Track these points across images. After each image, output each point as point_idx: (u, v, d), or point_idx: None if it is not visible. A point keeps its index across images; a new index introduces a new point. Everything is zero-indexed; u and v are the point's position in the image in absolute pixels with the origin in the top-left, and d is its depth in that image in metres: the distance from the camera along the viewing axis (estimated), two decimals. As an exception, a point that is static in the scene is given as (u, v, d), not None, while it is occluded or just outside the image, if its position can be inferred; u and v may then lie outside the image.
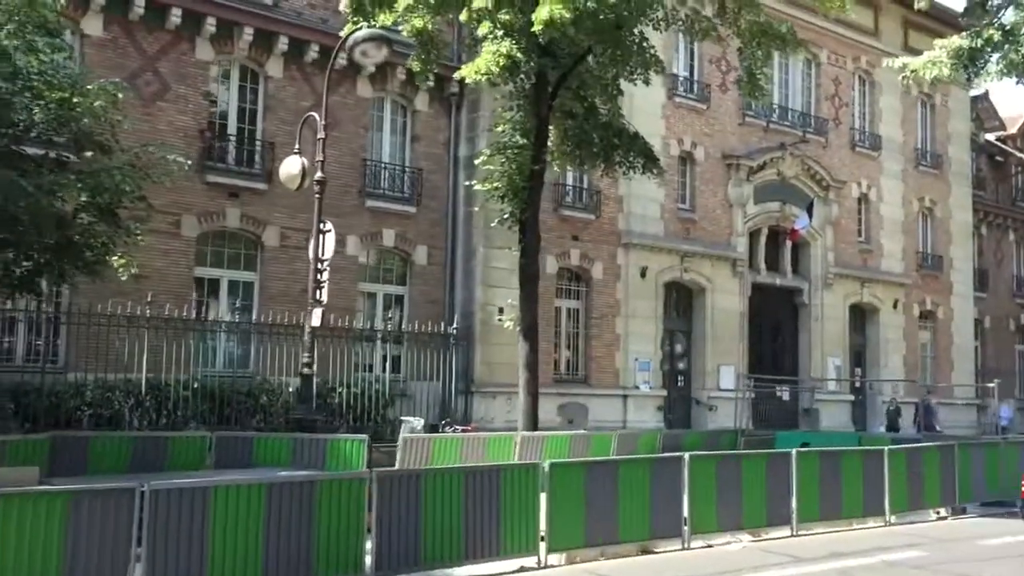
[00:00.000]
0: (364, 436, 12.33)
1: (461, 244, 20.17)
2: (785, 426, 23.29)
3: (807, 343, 25.78)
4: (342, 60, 18.53)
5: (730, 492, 10.63)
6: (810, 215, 24.38)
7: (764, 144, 24.73)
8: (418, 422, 16.54)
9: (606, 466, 9.84)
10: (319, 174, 12.87)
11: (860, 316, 27.52)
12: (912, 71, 13.61)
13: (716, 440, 16.39)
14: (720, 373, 23.36)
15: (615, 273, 21.90)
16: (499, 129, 15.92)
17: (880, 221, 27.65)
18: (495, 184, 14.93)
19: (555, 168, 17.63)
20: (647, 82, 15.20)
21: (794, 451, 11.43)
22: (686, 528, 10.17)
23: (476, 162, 16.62)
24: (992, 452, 14.19)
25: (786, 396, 25.17)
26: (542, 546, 9.03)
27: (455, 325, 19.09)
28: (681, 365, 23.55)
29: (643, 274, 22.13)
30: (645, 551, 9.94)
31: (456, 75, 13.96)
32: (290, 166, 12.84)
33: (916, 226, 28.89)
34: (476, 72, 12.72)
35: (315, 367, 12.85)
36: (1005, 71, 11.71)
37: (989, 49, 11.64)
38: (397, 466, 12.03)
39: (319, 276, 12.58)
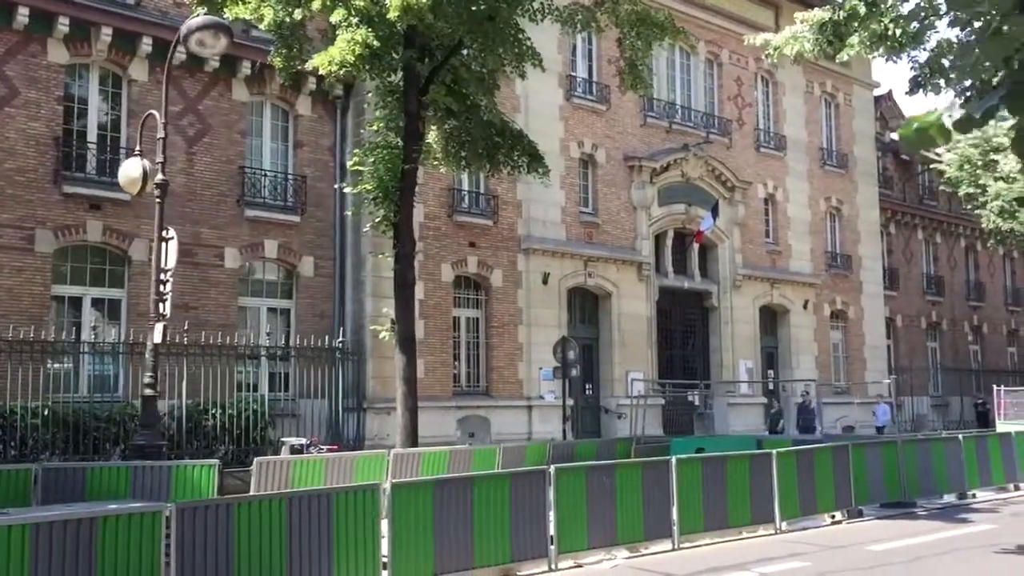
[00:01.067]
0: (215, 461, 11.25)
1: (350, 254, 19.21)
2: (692, 431, 22.84)
3: (718, 346, 25.37)
4: (215, 62, 17.61)
5: (603, 506, 9.86)
6: (714, 216, 23.98)
7: (667, 145, 24.31)
8: (300, 443, 15.53)
9: (459, 484, 8.96)
10: (160, 176, 11.79)
11: (771, 318, 27.27)
12: (775, 48, 13.09)
13: (610, 449, 15.68)
14: (629, 380, 22.74)
15: (515, 280, 21.15)
16: (373, 128, 15.06)
17: (788, 222, 27.48)
18: (365, 185, 14.02)
19: (441, 170, 16.91)
20: (523, 76, 14.51)
21: (674, 459, 10.73)
22: (552, 548, 9.36)
23: (348, 164, 15.71)
24: (890, 452, 13.72)
25: (697, 401, 24.70)
26: (384, 577, 8.12)
27: (341, 339, 18.09)
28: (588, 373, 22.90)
29: (545, 280, 21.43)
30: (507, 575, 9.10)
31: (308, 66, 13.01)
32: (130, 169, 11.77)
33: (824, 226, 28.82)
34: (330, 62, 11.83)
35: (159, 387, 11.72)
36: (868, 44, 11.27)
37: (855, 23, 11.20)
38: (252, 491, 10.99)
39: (161, 288, 11.46)
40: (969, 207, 28.89)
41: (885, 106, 32.47)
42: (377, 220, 14.22)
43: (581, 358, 22.87)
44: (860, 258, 29.65)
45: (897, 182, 32.99)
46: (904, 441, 14.18)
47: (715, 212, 24.04)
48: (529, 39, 13.97)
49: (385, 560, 8.15)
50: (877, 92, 31.74)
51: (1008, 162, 27.26)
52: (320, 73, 12.55)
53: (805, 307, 27.46)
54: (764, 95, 27.70)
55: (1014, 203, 27.70)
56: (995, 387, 25.90)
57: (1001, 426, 22.76)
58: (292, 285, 18.82)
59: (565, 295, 21.96)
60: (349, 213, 16.55)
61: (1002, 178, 27.66)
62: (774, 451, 11.81)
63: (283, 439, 15.56)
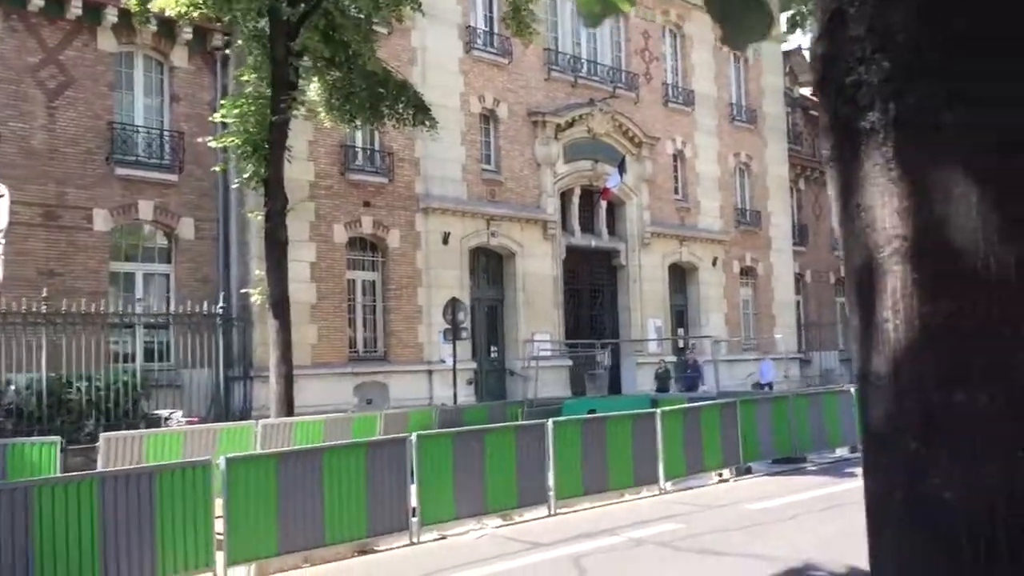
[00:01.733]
0: (56, 438, 10.36)
1: (234, 215, 18.17)
2: (609, 392, 22.52)
3: (626, 305, 25.08)
4: (76, 8, 16.34)
5: (471, 473, 9.33)
6: (621, 172, 23.52)
7: (572, 100, 23.69)
8: (178, 414, 14.71)
9: (307, 456, 8.31)
10: (-13, 129, 10.68)
11: (681, 275, 27.10)
12: None
13: (501, 412, 15.19)
14: (535, 341, 22.28)
15: (414, 241, 20.39)
16: (245, 78, 14.08)
17: (696, 178, 27.22)
18: (231, 139, 13.09)
19: (327, 124, 16.00)
20: (400, 19, 13.67)
21: (550, 421, 10.24)
22: (415, 520, 8.80)
23: (212, 117, 14.71)
24: (780, 408, 13.51)
25: (607, 361, 24.35)
26: (220, 559, 7.46)
27: (222, 304, 17.13)
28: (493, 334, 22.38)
29: (445, 240, 20.72)
30: (364, 551, 8.51)
31: (152, 5, 11.96)
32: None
33: (733, 182, 28.67)
34: (176, 2, 10.84)
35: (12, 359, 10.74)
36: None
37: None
38: (99, 469, 10.15)
39: (-8, 251, 10.45)
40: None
41: (795, 60, 32.35)
42: (246, 176, 13.32)
43: (486, 319, 22.39)
44: (769, 214, 29.64)
45: (807, 137, 33.02)
46: (795, 396, 13.99)
47: (622, 169, 23.57)
48: (406, -19, 13.15)
49: (221, 539, 7.49)
50: (786, 47, 31.54)
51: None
52: (168, 14, 11.53)
53: (714, 264, 27.34)
54: (672, 49, 27.25)
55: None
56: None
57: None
58: (171, 248, 17.75)
59: (467, 255, 21.30)
60: (217, 169, 15.54)
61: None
62: (658, 410, 11.44)
63: (155, 412, 14.73)
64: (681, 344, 26.65)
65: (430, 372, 20.28)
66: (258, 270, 15.46)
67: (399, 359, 19.95)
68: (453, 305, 18.08)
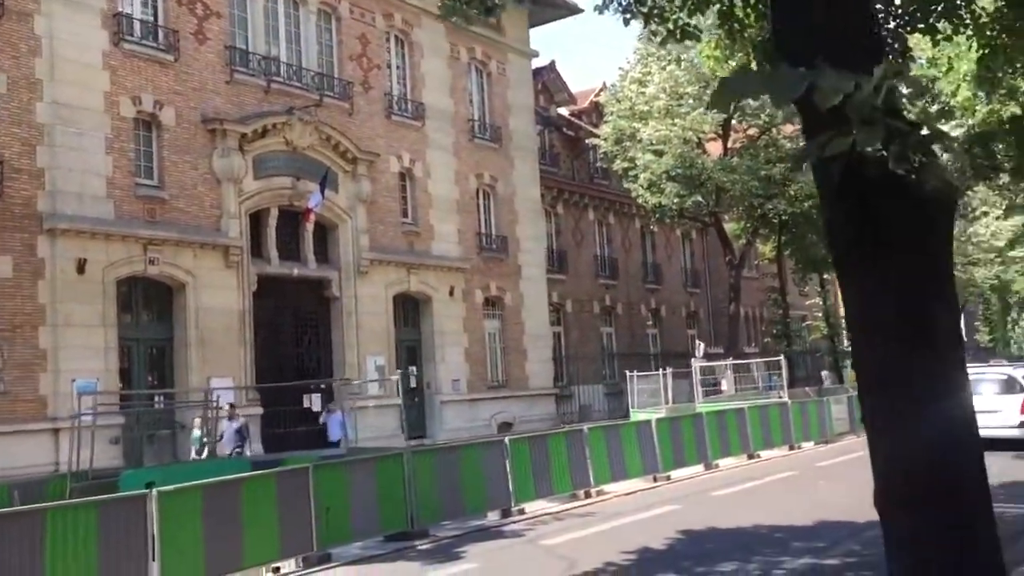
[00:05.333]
0: None
1: None
2: (313, 446, 19.16)
3: (341, 342, 21.98)
4: None
5: None
6: (323, 190, 20.50)
7: (266, 107, 20.57)
8: None
9: None
10: None
11: (413, 307, 24.32)
12: None
13: (40, 490, 11.64)
14: (213, 388, 18.78)
15: (34, 269, 16.57)
16: None
17: (429, 200, 24.60)
18: None
19: None
20: None
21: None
22: None
23: None
24: (389, 469, 10.62)
25: (316, 407, 21.10)
26: None
27: None
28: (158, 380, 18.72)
29: (81, 269, 17.01)
30: None
31: None
32: None
33: (476, 205, 26.25)
34: None
35: None
36: None
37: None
38: None
39: None
40: (625, 183, 27.45)
41: (548, 78, 30.57)
42: None
43: (148, 363, 18.76)
44: (519, 240, 27.37)
45: (565, 159, 31.26)
46: (415, 452, 11.13)
47: (324, 185, 20.56)
48: None
49: None
50: (538, 63, 29.76)
51: (647, 129, 25.97)
52: None
53: (452, 294, 24.71)
54: (399, 57, 24.66)
55: (663, 176, 26.50)
56: (627, 373, 24.36)
57: (634, 414, 20.97)
58: None
59: (114, 287, 17.62)
60: None
61: (652, 151, 26.37)
62: (154, 491, 8.26)
63: None
64: (413, 384, 23.85)
65: (56, 431, 16.40)
66: None
67: (10, 416, 15.98)
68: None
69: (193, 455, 15.51)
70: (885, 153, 2.77)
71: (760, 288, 38.74)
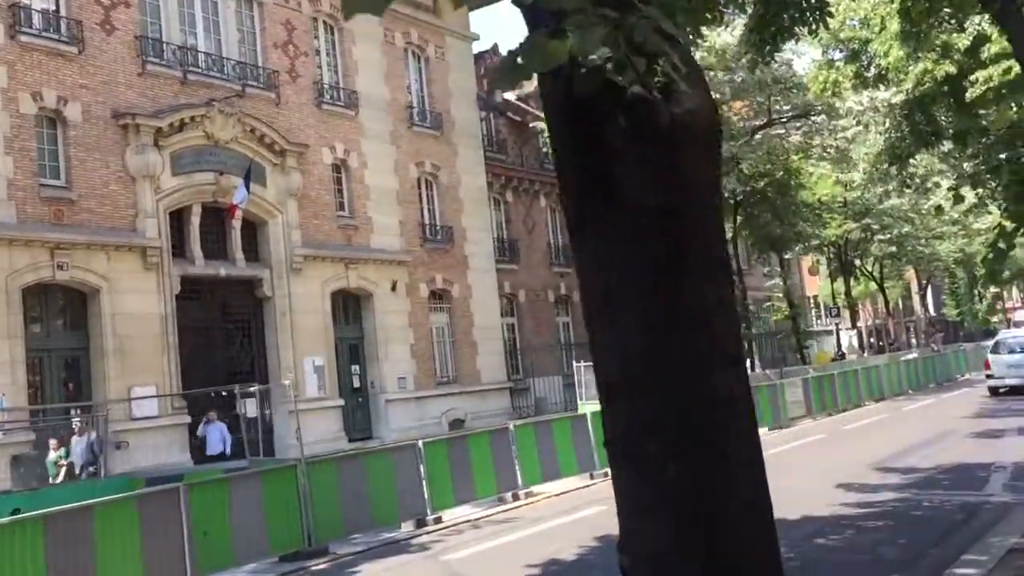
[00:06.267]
0: None
1: None
2: (254, 454, 18.15)
3: (275, 343, 20.99)
4: None
5: None
6: (247, 184, 19.47)
7: (182, 100, 19.49)
8: None
9: None
10: None
11: (354, 304, 23.36)
12: None
13: None
14: (134, 398, 17.80)
15: (-74, 280, 15.48)
16: None
17: (366, 191, 23.61)
18: None
19: None
20: None
21: None
22: None
23: None
24: (282, 482, 9.70)
25: (252, 412, 20.06)
26: None
27: None
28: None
29: (-20, 277, 15.92)
30: None
31: None
32: None
33: (417, 195, 25.29)
34: None
35: None
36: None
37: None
38: None
39: None
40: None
41: (491, 62, 29.58)
42: None
43: (62, 374, 17.70)
44: (465, 230, 26.46)
45: (512, 145, 30.33)
46: (312, 462, 10.21)
47: (248, 180, 19.53)
48: None
49: None
50: (479, 47, 28.83)
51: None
52: None
53: (394, 289, 23.76)
54: (328, 44, 23.63)
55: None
56: (575, 363, 23.54)
57: (582, 407, 20.16)
58: None
59: (19, 295, 16.54)
60: None
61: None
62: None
63: None
64: (356, 384, 22.92)
65: (-46, 453, 15.35)
66: None
67: (-95, 439, 14.93)
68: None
69: (50, 480, 14.30)
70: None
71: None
